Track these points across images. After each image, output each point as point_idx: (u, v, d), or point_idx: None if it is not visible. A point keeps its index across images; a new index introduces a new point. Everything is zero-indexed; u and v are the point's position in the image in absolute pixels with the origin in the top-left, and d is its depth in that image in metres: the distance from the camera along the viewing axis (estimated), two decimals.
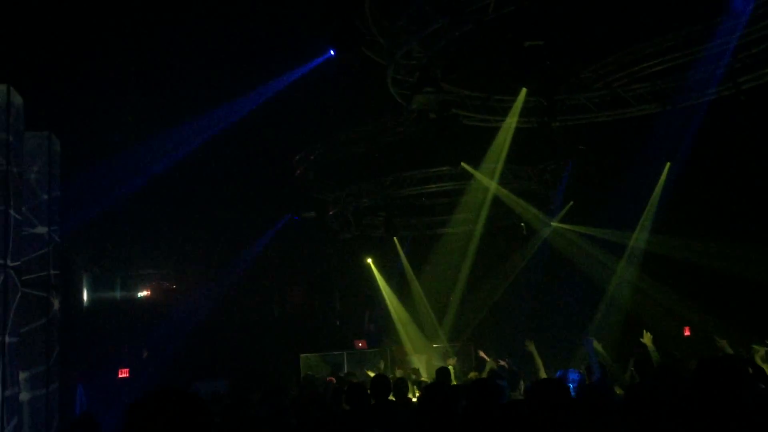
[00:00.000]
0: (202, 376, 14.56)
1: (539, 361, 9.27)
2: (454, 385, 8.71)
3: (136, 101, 10.82)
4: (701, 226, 13.54)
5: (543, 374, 9.01)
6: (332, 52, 9.79)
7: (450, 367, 10.51)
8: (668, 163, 13.85)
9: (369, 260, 17.76)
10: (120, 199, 12.96)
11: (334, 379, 9.68)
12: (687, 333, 15.12)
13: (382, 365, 14.30)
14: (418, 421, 4.31)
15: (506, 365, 10.53)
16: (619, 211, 15.20)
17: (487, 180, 14.30)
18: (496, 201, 15.76)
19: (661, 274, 14.48)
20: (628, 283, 15.17)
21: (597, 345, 8.73)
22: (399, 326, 19.10)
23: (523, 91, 10.96)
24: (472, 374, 10.49)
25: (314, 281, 19.99)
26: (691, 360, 8.31)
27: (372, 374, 10.51)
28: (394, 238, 18.07)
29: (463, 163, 12.77)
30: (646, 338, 8.29)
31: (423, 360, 15.61)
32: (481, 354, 11.72)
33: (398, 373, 12.73)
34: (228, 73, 11.15)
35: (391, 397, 6.26)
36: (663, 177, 14.17)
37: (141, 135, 11.59)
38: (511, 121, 11.51)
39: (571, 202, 15.14)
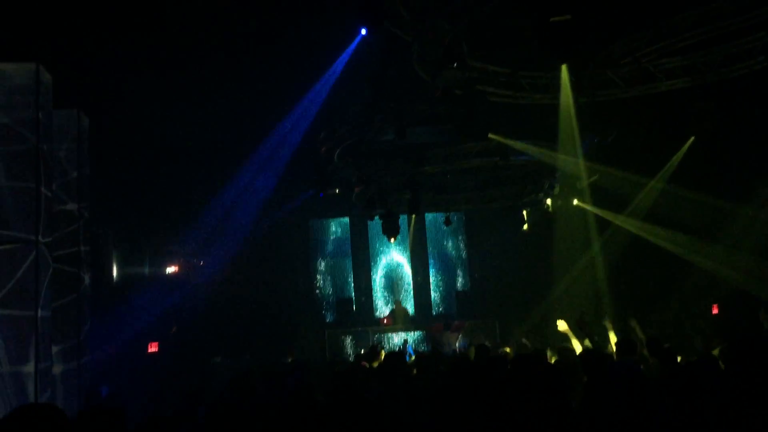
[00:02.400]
0: (227, 352, 14.79)
1: (576, 341, 8.97)
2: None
3: (164, 77, 10.86)
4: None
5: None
6: (363, 32, 9.73)
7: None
8: (692, 137, 13.70)
9: (392, 240, 17.80)
10: (149, 174, 13.16)
11: (366, 363, 8.96)
12: (715, 311, 15.02)
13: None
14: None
15: (528, 343, 10.51)
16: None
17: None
18: (521, 177, 15.72)
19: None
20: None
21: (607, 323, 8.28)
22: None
23: (564, 67, 10.78)
24: (508, 348, 10.38)
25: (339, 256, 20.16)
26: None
27: None
28: (412, 216, 18.16)
29: (491, 135, 12.66)
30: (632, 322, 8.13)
31: (456, 337, 15.74)
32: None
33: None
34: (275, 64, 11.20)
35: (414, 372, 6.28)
36: (683, 150, 14.03)
37: (169, 113, 11.65)
38: (566, 95, 11.28)
39: (596, 176, 15.10)
